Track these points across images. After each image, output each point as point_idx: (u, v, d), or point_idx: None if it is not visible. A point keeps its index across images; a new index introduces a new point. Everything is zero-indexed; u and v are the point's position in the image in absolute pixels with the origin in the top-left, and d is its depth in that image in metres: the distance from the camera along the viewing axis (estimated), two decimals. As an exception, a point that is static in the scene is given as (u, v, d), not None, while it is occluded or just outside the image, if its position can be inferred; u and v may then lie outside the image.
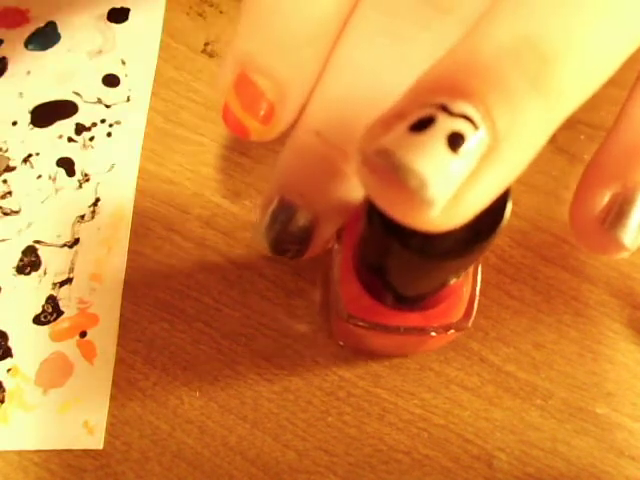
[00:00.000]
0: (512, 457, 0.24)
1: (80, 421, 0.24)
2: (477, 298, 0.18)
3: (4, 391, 0.25)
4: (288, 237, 0.16)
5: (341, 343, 0.25)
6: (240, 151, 0.28)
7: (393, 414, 0.24)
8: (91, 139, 0.29)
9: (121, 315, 0.26)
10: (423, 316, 0.18)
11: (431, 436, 0.24)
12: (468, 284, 0.18)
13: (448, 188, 0.10)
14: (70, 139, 0.29)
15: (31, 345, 0.26)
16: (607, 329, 0.25)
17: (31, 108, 0.30)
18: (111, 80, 0.30)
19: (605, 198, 0.16)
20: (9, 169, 0.28)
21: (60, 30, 0.31)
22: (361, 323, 0.18)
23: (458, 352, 0.25)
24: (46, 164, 0.28)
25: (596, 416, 0.24)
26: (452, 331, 0.18)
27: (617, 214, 0.15)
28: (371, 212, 0.13)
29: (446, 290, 0.17)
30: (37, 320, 0.26)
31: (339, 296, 0.18)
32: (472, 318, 0.18)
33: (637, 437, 0.24)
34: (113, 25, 0.31)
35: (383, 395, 0.25)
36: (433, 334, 0.18)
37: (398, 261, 0.14)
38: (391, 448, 0.24)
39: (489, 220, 0.12)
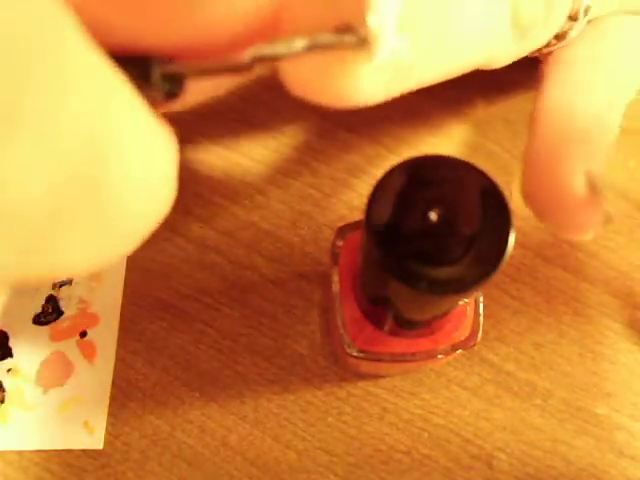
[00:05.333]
0: (512, 457, 0.24)
1: (80, 421, 0.24)
2: (482, 315, 0.18)
3: (4, 391, 0.25)
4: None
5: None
6: (240, 151, 0.28)
7: (393, 414, 0.24)
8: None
9: (121, 315, 0.26)
10: (430, 340, 0.18)
11: (431, 436, 0.24)
12: (471, 300, 0.18)
13: None
14: (70, 139, 0.29)
15: (31, 345, 0.26)
16: (607, 329, 0.25)
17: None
18: (111, 80, 0.30)
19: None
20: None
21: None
22: (370, 356, 0.18)
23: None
24: (46, 164, 0.28)
25: (596, 416, 0.24)
26: (460, 351, 0.18)
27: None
28: (371, 250, 0.12)
29: (451, 313, 0.16)
30: (37, 320, 0.26)
31: (344, 334, 0.18)
32: (479, 334, 0.18)
33: (637, 437, 0.24)
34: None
35: (383, 395, 0.25)
36: (440, 356, 0.18)
37: (401, 295, 0.14)
38: (391, 448, 0.24)
39: (493, 252, 0.12)
